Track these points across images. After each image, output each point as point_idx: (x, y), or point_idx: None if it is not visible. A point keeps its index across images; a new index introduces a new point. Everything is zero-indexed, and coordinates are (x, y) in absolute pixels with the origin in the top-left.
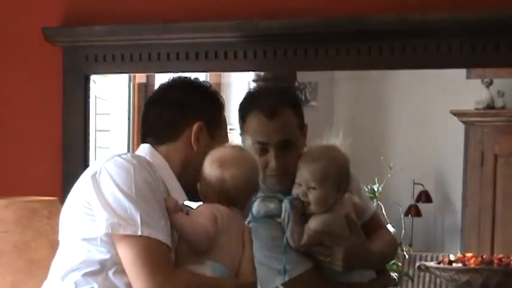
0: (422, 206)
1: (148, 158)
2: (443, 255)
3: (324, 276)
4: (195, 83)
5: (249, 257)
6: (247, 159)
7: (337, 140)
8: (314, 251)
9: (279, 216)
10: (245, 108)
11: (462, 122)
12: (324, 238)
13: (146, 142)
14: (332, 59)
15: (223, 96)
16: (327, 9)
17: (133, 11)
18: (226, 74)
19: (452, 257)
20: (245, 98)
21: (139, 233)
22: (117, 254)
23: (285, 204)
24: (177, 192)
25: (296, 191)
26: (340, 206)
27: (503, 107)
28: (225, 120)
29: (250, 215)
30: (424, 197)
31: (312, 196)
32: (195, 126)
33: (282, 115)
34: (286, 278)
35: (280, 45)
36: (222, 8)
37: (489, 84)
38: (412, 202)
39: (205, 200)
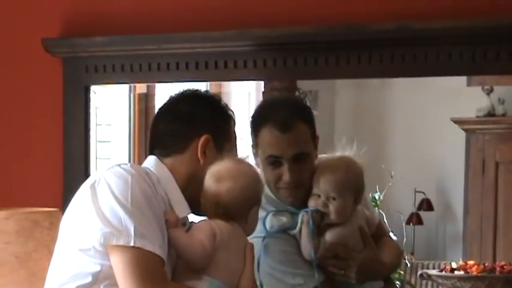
0: (423, 214)
1: (153, 169)
2: (445, 263)
3: (334, 287)
4: (205, 96)
5: (249, 273)
6: (244, 171)
7: (351, 150)
8: (328, 264)
9: (292, 228)
10: (258, 122)
11: (463, 129)
12: (338, 250)
13: (153, 154)
14: (332, 67)
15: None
16: (326, 18)
17: (133, 21)
18: (226, 83)
19: (454, 265)
20: (257, 111)
21: (131, 244)
22: (110, 266)
23: (301, 217)
24: (181, 205)
25: (314, 202)
26: (354, 218)
27: (503, 115)
28: (235, 133)
29: (264, 229)
30: (426, 205)
31: (332, 206)
32: (201, 139)
33: (295, 128)
34: None
35: (280, 55)
36: (222, 17)
37: (489, 91)
38: (414, 210)
39: (207, 215)
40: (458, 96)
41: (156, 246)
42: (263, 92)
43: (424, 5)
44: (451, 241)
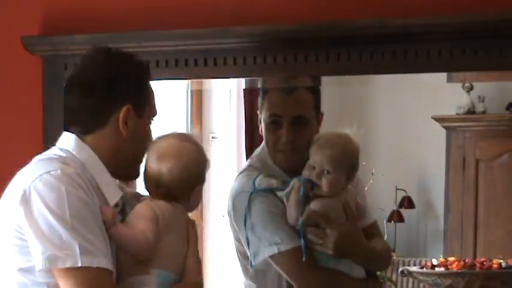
0: (405, 212)
1: (75, 152)
2: (426, 260)
3: (312, 256)
4: (117, 57)
5: (193, 254)
6: (187, 149)
7: (351, 129)
8: (309, 231)
9: (280, 190)
10: (268, 87)
11: (443, 127)
12: (320, 219)
13: (70, 131)
14: (312, 64)
15: (206, 104)
16: (305, 15)
17: (114, 19)
18: (207, 81)
19: (435, 262)
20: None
21: (79, 264)
22: (56, 283)
23: (293, 183)
24: (110, 188)
25: (308, 172)
26: (343, 195)
27: (483, 112)
28: (152, 91)
29: (252, 186)
30: (407, 202)
31: (325, 180)
32: (122, 111)
33: (299, 93)
34: (275, 251)
35: (259, 52)
36: (201, 15)
37: (470, 89)
38: (395, 208)
39: (149, 193)
40: (438, 94)
41: (102, 258)
42: (244, 89)
43: (402, 2)
44: (432, 238)
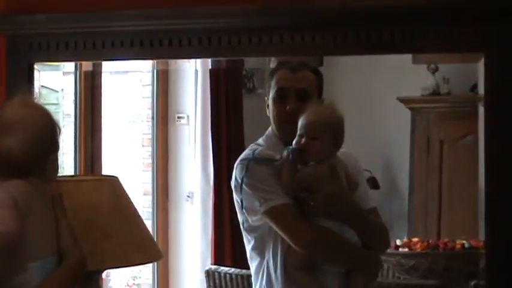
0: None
1: None
2: None
3: (304, 212)
4: None
5: (65, 226)
6: (33, 117)
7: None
8: (300, 198)
9: (277, 161)
10: (275, 67)
11: (408, 108)
12: (309, 183)
13: None
14: (276, 45)
15: (172, 84)
16: None
17: None
18: (173, 61)
19: (398, 242)
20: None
21: None
22: None
23: (284, 153)
24: None
25: (298, 140)
26: (332, 161)
27: (448, 93)
28: None
29: (251, 154)
30: (372, 183)
31: (312, 145)
32: None
33: (304, 72)
34: (268, 206)
35: (225, 33)
36: None
37: (434, 70)
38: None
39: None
40: (404, 75)
41: None
42: (210, 70)
43: None
44: (397, 219)
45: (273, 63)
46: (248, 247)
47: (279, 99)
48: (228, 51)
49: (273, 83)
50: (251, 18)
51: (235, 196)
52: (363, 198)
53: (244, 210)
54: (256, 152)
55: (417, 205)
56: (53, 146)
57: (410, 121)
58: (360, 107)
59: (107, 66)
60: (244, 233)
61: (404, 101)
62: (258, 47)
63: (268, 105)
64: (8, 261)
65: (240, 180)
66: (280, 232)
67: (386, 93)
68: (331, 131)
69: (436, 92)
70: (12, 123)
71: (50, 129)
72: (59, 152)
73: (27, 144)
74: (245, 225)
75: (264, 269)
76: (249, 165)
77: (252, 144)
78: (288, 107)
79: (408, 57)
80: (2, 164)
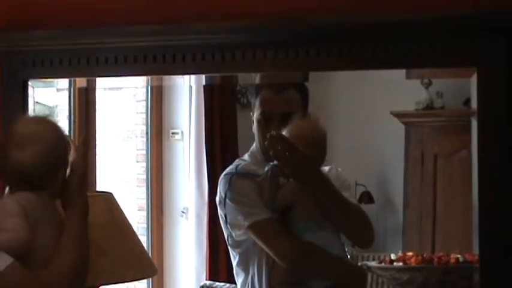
0: (364, 207)
1: None
2: (385, 255)
3: (286, 227)
4: None
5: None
6: (46, 133)
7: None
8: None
9: (258, 176)
10: (259, 86)
11: (402, 122)
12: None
13: None
14: (270, 61)
15: (166, 100)
16: (264, 13)
17: (72, 15)
18: (167, 77)
19: (393, 256)
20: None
21: None
22: None
23: (266, 168)
24: None
25: (282, 158)
26: None
27: (442, 107)
28: None
29: (234, 169)
30: (366, 197)
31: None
32: None
33: (287, 92)
34: (252, 221)
35: (218, 49)
36: (161, 11)
37: (428, 85)
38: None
39: (9, 185)
40: (397, 90)
41: None
42: (204, 86)
43: None
44: (392, 233)
45: (256, 78)
46: (234, 263)
47: (264, 121)
48: (222, 67)
49: (257, 103)
50: (245, 34)
51: (219, 211)
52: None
53: (228, 225)
54: (240, 166)
55: (411, 219)
56: (63, 160)
57: (404, 135)
58: (353, 121)
59: (101, 82)
60: (230, 249)
61: (398, 115)
62: (252, 62)
63: (253, 122)
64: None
65: (223, 195)
66: (264, 247)
67: (379, 107)
68: (312, 146)
69: (429, 107)
70: (25, 137)
71: (60, 144)
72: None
73: (38, 159)
74: (230, 240)
75: (248, 285)
76: (232, 179)
77: (237, 160)
78: (272, 132)
79: (402, 72)
80: (13, 177)
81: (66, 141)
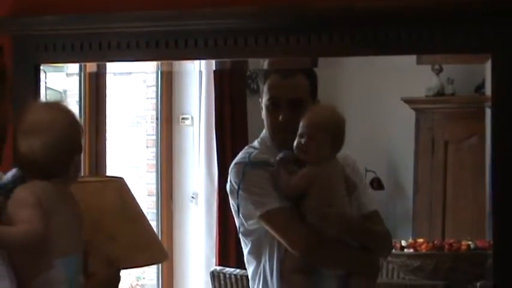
0: (374, 193)
1: None
2: (395, 241)
3: (300, 215)
4: None
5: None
6: (58, 119)
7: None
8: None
9: (272, 165)
10: (267, 72)
11: (413, 109)
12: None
13: None
14: (282, 46)
15: (177, 85)
16: None
17: (84, 0)
18: (177, 62)
19: (403, 243)
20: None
21: None
22: None
23: (278, 156)
24: None
25: (296, 141)
26: (329, 164)
27: (452, 94)
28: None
29: (247, 158)
30: (376, 184)
31: (311, 146)
32: None
33: (295, 77)
34: (264, 210)
35: (230, 34)
36: None
37: (439, 71)
38: (371, 194)
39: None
40: (408, 76)
41: None
42: (214, 71)
43: None
44: (402, 220)
45: (265, 63)
46: (245, 251)
47: (272, 107)
48: (233, 53)
49: (265, 89)
50: (257, 19)
51: (231, 200)
52: (362, 201)
53: (240, 215)
54: (252, 155)
55: (422, 206)
56: (76, 147)
57: (415, 122)
58: (364, 108)
59: (111, 67)
60: (241, 237)
61: (408, 101)
62: (263, 48)
63: (262, 108)
64: (34, 258)
65: (236, 186)
66: (276, 236)
67: (390, 94)
68: (330, 132)
69: (440, 93)
70: (36, 124)
71: (73, 131)
72: (81, 153)
73: (51, 146)
74: (241, 229)
75: (260, 273)
76: (245, 170)
77: (246, 147)
78: (280, 117)
79: (412, 57)
80: (26, 165)
81: (78, 127)
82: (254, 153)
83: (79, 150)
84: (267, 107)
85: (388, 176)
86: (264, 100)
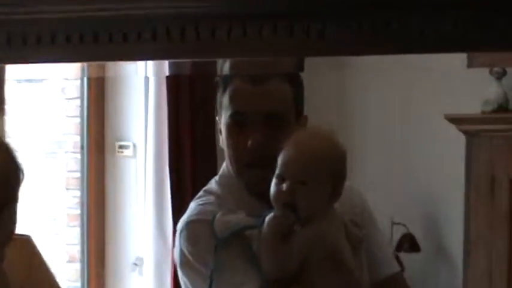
0: (405, 257)
1: None
2: None
3: None
4: None
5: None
6: None
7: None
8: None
9: (250, 227)
10: (227, 78)
11: (462, 131)
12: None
13: None
14: (268, 40)
15: (111, 98)
16: None
17: None
18: (112, 64)
19: None
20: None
21: None
22: None
23: (268, 220)
24: None
25: (276, 188)
26: (327, 219)
27: None
28: None
29: (213, 236)
30: (409, 243)
31: (300, 194)
32: None
33: (271, 83)
34: None
35: (188, 22)
36: None
37: (501, 75)
38: (391, 250)
39: None
40: (455, 83)
41: None
42: (167, 77)
43: None
44: None
45: (225, 66)
46: None
47: (236, 128)
48: (196, 49)
49: (225, 100)
50: (231, 1)
51: (182, 275)
52: (378, 262)
53: None
54: (216, 223)
55: (477, 272)
56: (10, 195)
57: (465, 150)
58: (390, 129)
59: (13, 71)
60: None
61: (455, 120)
62: (240, 42)
63: (220, 132)
64: None
65: (200, 266)
66: None
67: (429, 109)
68: (328, 173)
69: (503, 107)
70: None
71: (8, 174)
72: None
73: None
74: None
75: None
76: (218, 253)
77: (201, 193)
78: (249, 142)
79: (461, 57)
80: None
81: (16, 170)
82: (217, 219)
83: (13, 199)
84: (228, 127)
85: (425, 232)
86: (223, 118)
